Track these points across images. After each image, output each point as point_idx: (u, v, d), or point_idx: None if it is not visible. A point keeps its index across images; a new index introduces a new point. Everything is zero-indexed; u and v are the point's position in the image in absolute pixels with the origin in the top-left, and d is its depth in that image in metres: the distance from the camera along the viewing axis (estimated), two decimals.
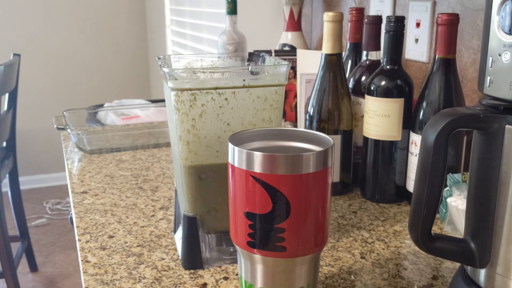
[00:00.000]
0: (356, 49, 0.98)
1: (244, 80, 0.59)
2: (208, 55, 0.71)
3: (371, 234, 0.73)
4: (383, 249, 0.69)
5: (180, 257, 0.65)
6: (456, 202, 0.69)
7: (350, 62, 0.98)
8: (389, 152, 0.81)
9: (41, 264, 2.49)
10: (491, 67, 0.45)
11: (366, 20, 0.89)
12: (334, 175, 0.85)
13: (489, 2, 0.45)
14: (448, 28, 0.72)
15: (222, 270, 0.63)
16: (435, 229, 0.74)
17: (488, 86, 0.46)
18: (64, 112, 1.20)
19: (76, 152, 1.11)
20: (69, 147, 1.15)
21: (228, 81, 0.59)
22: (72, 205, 0.83)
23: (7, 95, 2.12)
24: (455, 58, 0.74)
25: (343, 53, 0.97)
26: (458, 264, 0.62)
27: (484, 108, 0.47)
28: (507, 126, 0.45)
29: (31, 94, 3.24)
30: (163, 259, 0.66)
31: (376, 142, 0.81)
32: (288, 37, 1.35)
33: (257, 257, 0.51)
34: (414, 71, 1.03)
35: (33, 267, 2.43)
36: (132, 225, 0.75)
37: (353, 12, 0.94)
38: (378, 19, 0.88)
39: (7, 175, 2.23)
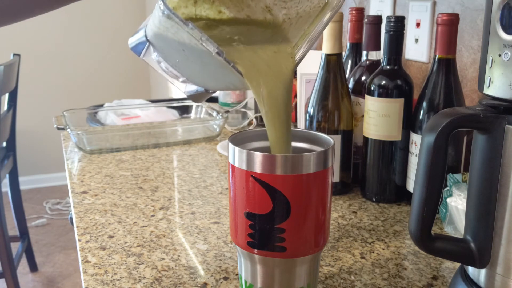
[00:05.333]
0: (356, 49, 0.98)
1: None
2: None
3: (371, 234, 0.73)
4: (383, 249, 0.69)
5: None
6: (456, 202, 0.69)
7: (350, 62, 0.98)
8: (389, 152, 0.81)
9: (41, 264, 2.49)
10: (491, 67, 0.45)
11: (366, 20, 0.89)
12: (334, 175, 0.85)
13: (489, 2, 0.45)
14: (448, 28, 0.72)
15: (222, 270, 0.63)
16: (435, 229, 0.74)
17: (488, 86, 0.46)
18: (64, 112, 1.20)
19: (76, 152, 1.11)
20: (69, 147, 1.15)
21: None
22: (72, 205, 0.83)
23: (7, 95, 2.12)
24: (455, 58, 0.74)
25: (343, 53, 0.97)
26: (458, 264, 0.62)
27: (484, 108, 0.47)
28: (507, 126, 0.45)
29: (31, 94, 3.23)
30: (163, 259, 0.66)
31: (376, 142, 0.81)
32: None
33: (257, 257, 0.51)
34: (414, 71, 1.03)
35: (33, 267, 2.43)
36: (132, 225, 0.75)
37: (353, 12, 0.94)
38: (378, 19, 0.88)
39: (7, 175, 2.23)
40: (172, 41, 0.48)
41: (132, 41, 0.57)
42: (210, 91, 0.58)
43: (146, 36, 0.54)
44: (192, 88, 0.58)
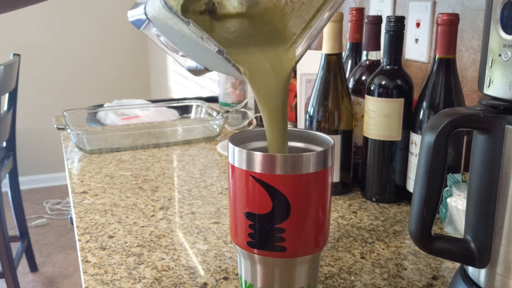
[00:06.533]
0: (356, 49, 0.98)
1: None
2: None
3: (371, 234, 0.73)
4: (383, 249, 0.69)
5: None
6: (456, 202, 0.69)
7: (350, 62, 0.98)
8: (389, 152, 0.81)
9: (41, 264, 2.49)
10: (491, 67, 0.45)
11: (366, 20, 0.89)
12: (334, 175, 0.85)
13: (489, 2, 0.45)
14: (448, 28, 0.72)
15: (222, 270, 0.63)
16: (435, 229, 0.74)
17: (488, 86, 0.46)
18: (64, 112, 1.20)
19: (76, 152, 1.11)
20: (69, 147, 1.15)
21: None
22: (72, 205, 0.83)
23: (7, 95, 2.12)
24: (455, 58, 0.74)
25: (343, 53, 0.97)
26: (458, 264, 0.62)
27: (484, 108, 0.47)
28: (507, 126, 0.45)
29: (31, 94, 3.24)
30: (163, 259, 0.66)
31: (376, 142, 0.81)
32: None
33: (257, 257, 0.51)
34: (414, 71, 1.03)
35: (33, 267, 2.43)
36: (132, 225, 0.75)
37: (353, 12, 0.94)
38: (378, 19, 0.88)
39: (7, 175, 2.23)
40: (172, 28, 0.48)
41: (132, 15, 0.56)
42: (210, 70, 0.58)
43: (146, 14, 0.53)
44: (192, 63, 0.58)
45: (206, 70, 0.57)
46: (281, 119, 0.51)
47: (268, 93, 0.50)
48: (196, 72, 0.59)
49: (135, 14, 0.55)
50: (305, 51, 0.51)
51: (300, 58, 0.51)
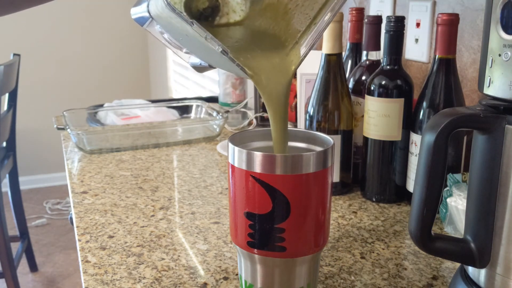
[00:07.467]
0: (356, 49, 0.98)
1: None
2: None
3: (371, 234, 0.73)
4: (383, 249, 0.69)
5: None
6: (456, 202, 0.69)
7: (350, 62, 0.98)
8: (389, 152, 0.81)
9: (41, 264, 2.49)
10: (491, 67, 0.45)
11: (366, 20, 0.89)
12: (334, 175, 0.85)
13: (489, 2, 0.45)
14: (448, 28, 0.72)
15: (222, 270, 0.63)
16: (435, 229, 0.74)
17: (488, 86, 0.46)
18: (64, 112, 1.20)
19: (76, 152, 1.11)
20: (69, 147, 1.15)
21: None
22: (72, 205, 0.83)
23: (7, 95, 2.12)
24: (455, 58, 0.74)
25: (343, 53, 0.97)
26: (458, 264, 0.62)
27: (484, 108, 0.47)
28: (507, 126, 0.45)
29: (31, 94, 3.23)
30: (163, 259, 0.66)
31: (376, 142, 0.81)
32: None
33: (257, 257, 0.51)
34: (414, 71, 1.03)
35: (33, 267, 2.43)
36: (132, 225, 0.75)
37: (353, 12, 0.94)
38: (378, 19, 0.88)
39: (7, 175, 2.23)
40: (176, 26, 0.48)
41: (135, 12, 0.56)
42: (214, 67, 0.58)
43: (149, 12, 0.53)
44: (196, 60, 0.58)
45: (210, 67, 0.57)
46: (283, 119, 0.51)
47: (272, 91, 0.50)
48: (200, 68, 0.59)
49: (138, 11, 0.55)
50: (308, 51, 0.51)
51: (303, 58, 0.51)
